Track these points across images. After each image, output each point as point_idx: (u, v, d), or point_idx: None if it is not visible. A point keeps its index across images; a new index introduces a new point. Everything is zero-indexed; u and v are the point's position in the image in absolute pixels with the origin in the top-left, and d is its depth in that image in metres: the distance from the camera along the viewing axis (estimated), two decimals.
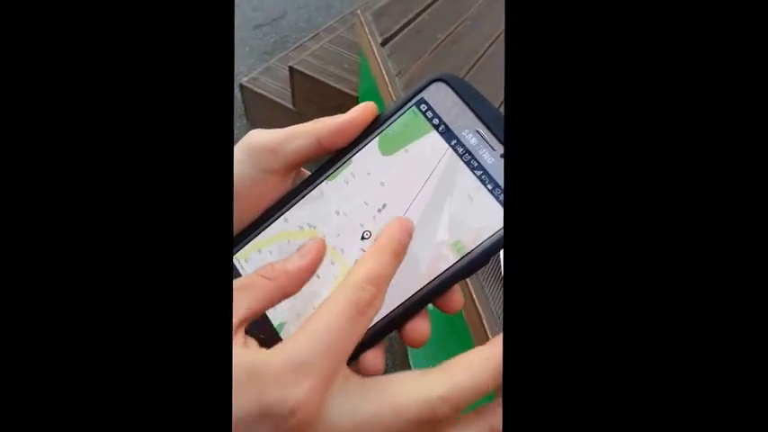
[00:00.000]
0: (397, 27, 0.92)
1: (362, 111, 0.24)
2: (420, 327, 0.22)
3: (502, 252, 0.58)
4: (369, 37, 0.88)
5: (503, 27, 0.93)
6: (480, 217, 0.23)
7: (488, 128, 0.23)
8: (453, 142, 0.23)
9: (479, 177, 0.23)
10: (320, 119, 0.23)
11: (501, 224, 0.22)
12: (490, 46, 0.90)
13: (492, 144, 0.23)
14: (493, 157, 0.23)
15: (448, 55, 0.89)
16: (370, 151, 0.24)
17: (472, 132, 0.23)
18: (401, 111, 0.24)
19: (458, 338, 0.63)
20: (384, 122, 0.24)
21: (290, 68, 1.47)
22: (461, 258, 0.23)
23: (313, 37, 1.66)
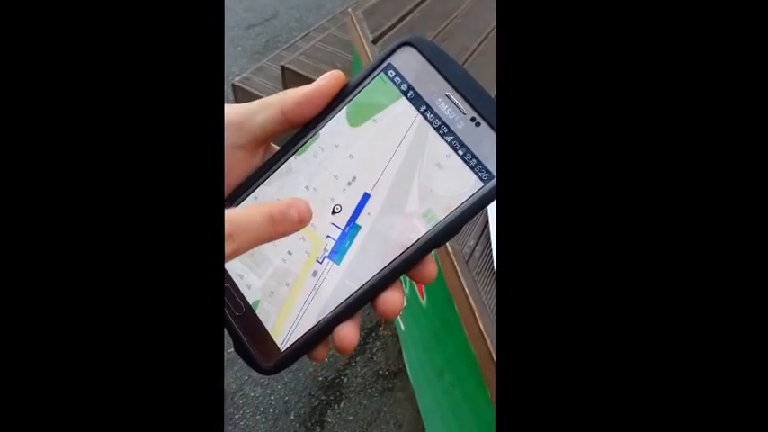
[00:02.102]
0: (388, 25, 0.92)
1: (328, 80, 0.23)
2: (393, 298, 0.23)
3: (494, 246, 0.58)
4: (360, 35, 0.88)
5: (493, 24, 0.94)
6: (450, 184, 0.22)
7: (458, 91, 0.23)
8: (422, 108, 0.23)
9: (450, 143, 0.22)
10: (286, 90, 0.23)
11: (472, 190, 0.22)
12: (481, 43, 0.90)
13: (462, 108, 0.22)
14: (463, 122, 0.22)
15: None
16: (338, 123, 0.23)
17: (441, 97, 0.23)
18: (369, 78, 0.23)
19: (451, 332, 0.63)
20: (352, 91, 0.23)
21: (282, 68, 1.47)
22: (432, 228, 0.22)
23: (304, 36, 1.66)
